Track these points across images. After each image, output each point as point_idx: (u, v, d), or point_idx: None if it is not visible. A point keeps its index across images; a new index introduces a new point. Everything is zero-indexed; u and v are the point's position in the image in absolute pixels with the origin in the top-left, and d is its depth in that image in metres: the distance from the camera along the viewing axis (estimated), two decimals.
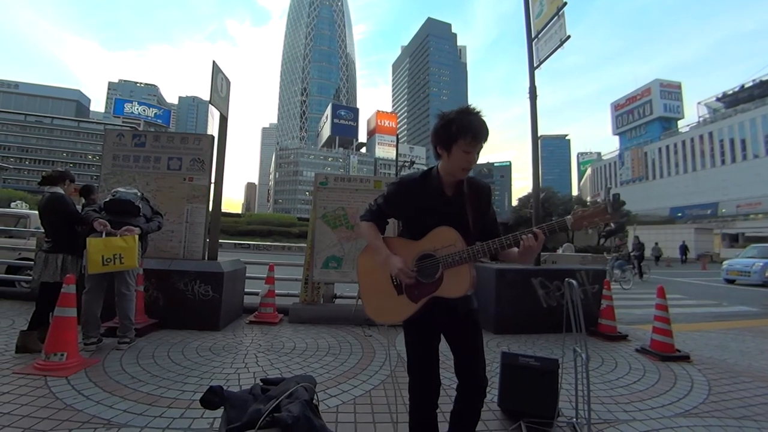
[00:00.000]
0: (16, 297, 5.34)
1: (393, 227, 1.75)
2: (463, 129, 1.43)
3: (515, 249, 1.51)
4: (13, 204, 30.01)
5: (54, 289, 3.16)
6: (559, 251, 17.53)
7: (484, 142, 1.48)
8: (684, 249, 28.60)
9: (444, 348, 1.63)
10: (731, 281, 13.53)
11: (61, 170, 3.90)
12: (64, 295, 2.95)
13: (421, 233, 1.56)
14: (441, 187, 1.57)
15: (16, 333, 3.72)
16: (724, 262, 15.10)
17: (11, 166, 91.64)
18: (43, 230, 3.68)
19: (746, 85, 52.81)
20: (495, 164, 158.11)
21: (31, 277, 5.37)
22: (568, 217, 1.45)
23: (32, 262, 5.26)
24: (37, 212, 3.95)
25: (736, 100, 54.75)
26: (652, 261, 26.65)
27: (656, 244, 28.97)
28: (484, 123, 1.46)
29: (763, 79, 51.31)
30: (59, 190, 3.71)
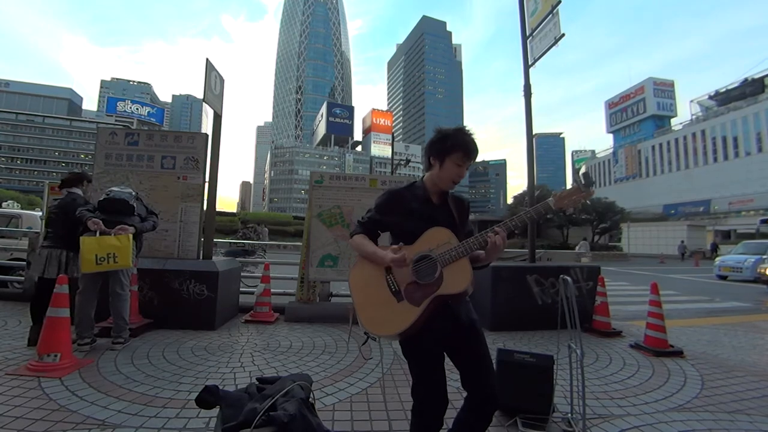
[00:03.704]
0: (8, 298, 5.28)
1: (387, 238, 1.73)
2: (458, 144, 1.57)
3: (481, 252, 1.58)
4: (4, 204, 29.72)
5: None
6: (577, 249, 18.20)
7: (473, 161, 1.62)
8: (715, 247, 29.01)
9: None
10: (724, 277, 13.66)
11: (78, 172, 3.97)
12: (57, 295, 2.92)
13: (413, 238, 1.57)
14: (428, 195, 1.66)
15: (8, 334, 3.71)
16: (717, 259, 15.23)
17: (3, 166, 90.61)
18: (35, 230, 3.66)
19: (748, 78, 52.77)
20: (490, 162, 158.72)
21: (22, 278, 5.33)
22: (550, 199, 1.56)
23: (24, 263, 5.22)
24: (28, 212, 3.94)
25: (728, 98, 55.09)
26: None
27: (682, 241, 29.40)
28: (476, 143, 1.60)
29: (756, 77, 51.75)
30: (79, 191, 3.78)
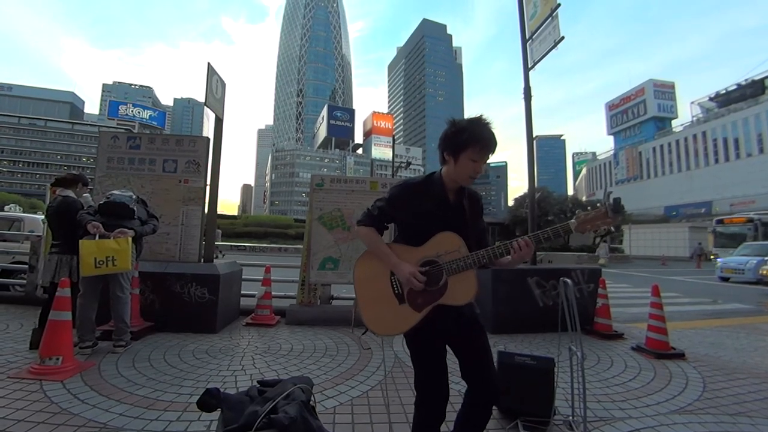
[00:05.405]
0: (10, 301, 5.29)
1: (390, 232, 1.70)
2: (474, 138, 1.44)
3: (507, 257, 1.52)
4: (6, 207, 29.77)
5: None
6: (597, 252, 18.72)
7: (492, 154, 1.49)
8: None
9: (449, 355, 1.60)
10: (726, 279, 13.63)
11: (76, 173, 3.92)
12: (59, 299, 2.93)
13: (422, 239, 1.51)
14: (444, 192, 1.56)
15: (9, 337, 3.71)
16: (719, 260, 15.20)
17: (5, 169, 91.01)
18: (37, 234, 3.66)
19: (747, 80, 52.59)
20: (491, 164, 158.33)
21: (24, 281, 5.34)
22: (572, 221, 1.47)
23: (26, 266, 5.23)
24: (30, 215, 3.93)
25: (728, 99, 55.03)
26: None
27: (699, 243, 29.43)
28: (494, 135, 1.47)
29: (756, 78, 51.73)
30: (71, 193, 3.74)
